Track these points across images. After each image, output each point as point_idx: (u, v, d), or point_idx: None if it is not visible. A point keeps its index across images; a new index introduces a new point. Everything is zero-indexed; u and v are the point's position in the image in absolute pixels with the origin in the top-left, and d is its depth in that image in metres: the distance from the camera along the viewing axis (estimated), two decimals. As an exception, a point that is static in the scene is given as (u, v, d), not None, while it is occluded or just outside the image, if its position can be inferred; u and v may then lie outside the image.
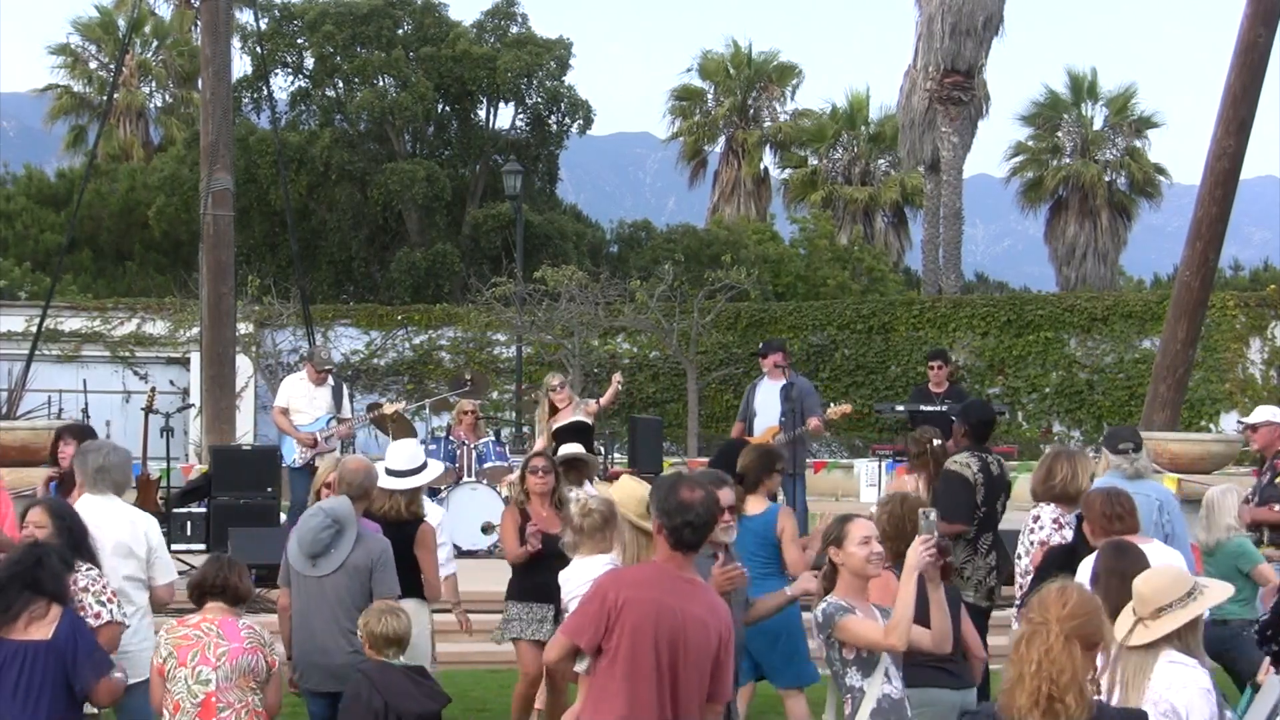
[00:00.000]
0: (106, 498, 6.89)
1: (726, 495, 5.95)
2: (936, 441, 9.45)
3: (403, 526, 7.62)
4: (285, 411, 13.41)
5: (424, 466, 7.87)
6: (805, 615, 7.51)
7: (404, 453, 7.87)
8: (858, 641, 5.56)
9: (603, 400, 13.59)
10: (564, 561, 7.48)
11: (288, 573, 6.98)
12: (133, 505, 7.71)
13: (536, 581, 8.08)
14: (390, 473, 7.78)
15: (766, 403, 13.10)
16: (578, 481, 9.06)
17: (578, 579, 6.70)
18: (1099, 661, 4.21)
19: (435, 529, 7.83)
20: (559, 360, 23.77)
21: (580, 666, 5.06)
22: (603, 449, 16.90)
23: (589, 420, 12.99)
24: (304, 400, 13.42)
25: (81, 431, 8.70)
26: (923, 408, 13.43)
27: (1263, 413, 10.20)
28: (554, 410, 13.06)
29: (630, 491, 6.07)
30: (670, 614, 4.92)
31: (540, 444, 13.64)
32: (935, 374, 13.89)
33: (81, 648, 5.60)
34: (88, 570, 6.19)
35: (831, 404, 13.52)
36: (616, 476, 14.97)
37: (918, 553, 5.46)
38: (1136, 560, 5.52)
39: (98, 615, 6.08)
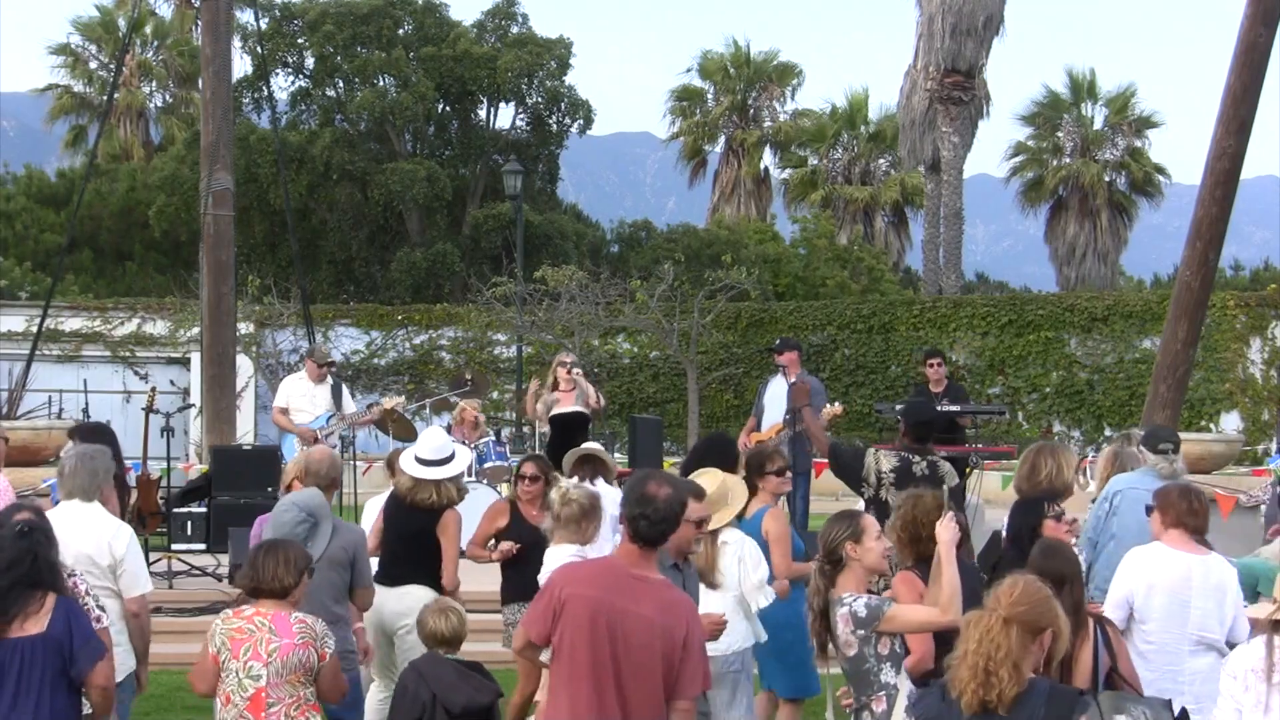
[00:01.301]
0: (70, 504, 6.70)
1: (696, 509, 5.91)
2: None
3: (431, 513, 7.67)
4: (285, 411, 13.47)
5: (454, 455, 7.93)
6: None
7: (434, 441, 7.93)
8: (911, 627, 5.65)
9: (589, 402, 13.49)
10: (536, 560, 7.60)
11: None
12: (131, 508, 7.68)
13: (526, 581, 8.09)
14: (420, 461, 7.83)
15: (775, 399, 13.15)
16: (591, 476, 9.01)
17: (549, 567, 6.82)
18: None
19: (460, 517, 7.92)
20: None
21: (545, 657, 5.12)
22: (602, 448, 16.87)
23: (587, 411, 12.97)
24: (304, 399, 13.46)
25: (89, 431, 8.54)
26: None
27: None
28: (555, 387, 13.08)
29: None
30: (610, 611, 4.91)
31: (529, 401, 13.62)
32: (934, 372, 13.91)
33: (77, 634, 5.51)
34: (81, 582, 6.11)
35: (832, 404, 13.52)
36: (618, 477, 14.95)
37: (950, 529, 5.67)
38: (1068, 562, 5.62)
39: (98, 619, 5.99)
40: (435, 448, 7.84)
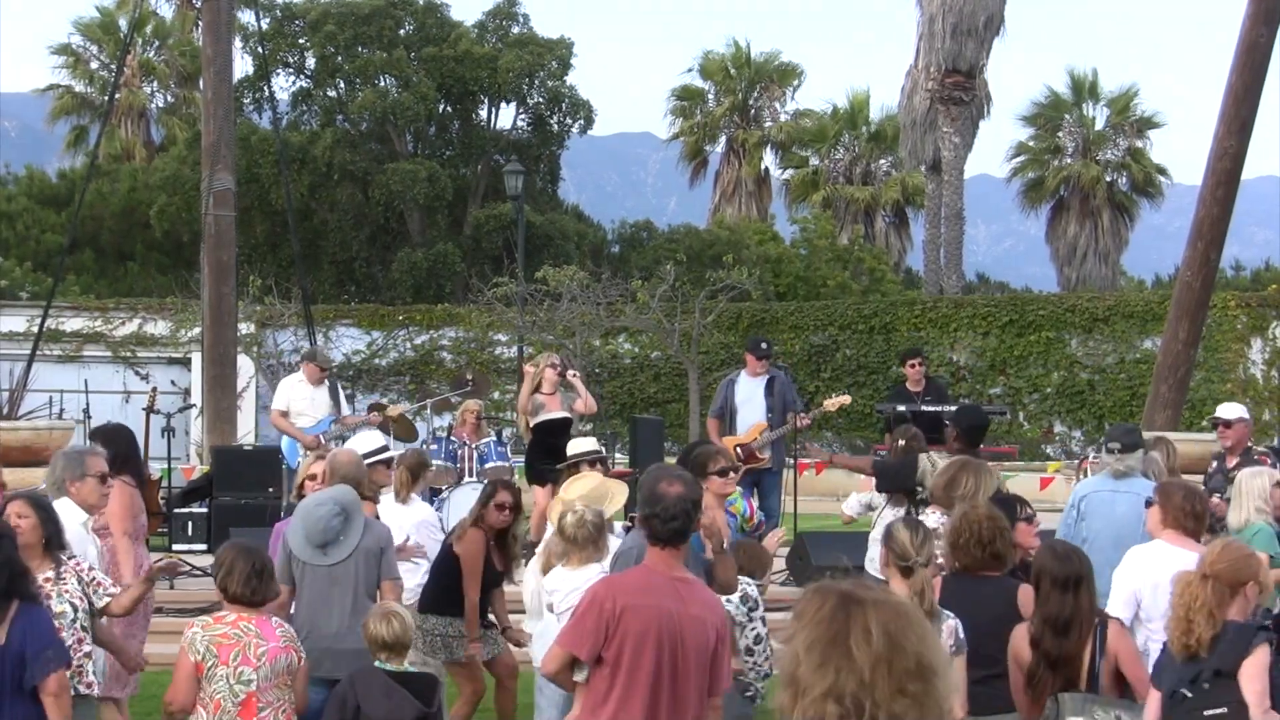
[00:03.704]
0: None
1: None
2: (900, 442, 9.36)
3: None
4: (285, 414, 13.26)
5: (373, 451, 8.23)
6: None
7: (359, 442, 8.37)
8: None
9: (587, 407, 13.30)
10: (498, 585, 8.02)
11: (288, 567, 6.96)
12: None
13: (452, 596, 8.09)
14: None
15: (750, 399, 12.87)
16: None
17: (567, 588, 6.72)
18: None
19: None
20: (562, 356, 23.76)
21: (580, 676, 5.07)
22: (604, 449, 16.83)
23: (570, 416, 12.82)
24: (305, 403, 13.27)
25: (104, 434, 8.34)
26: (923, 408, 13.40)
27: (1235, 409, 10.33)
28: (537, 388, 12.88)
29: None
30: (669, 619, 4.93)
31: (522, 407, 13.38)
32: (914, 372, 13.84)
33: (32, 642, 5.43)
34: (84, 561, 6.30)
35: (832, 395, 13.47)
36: (620, 477, 14.89)
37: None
38: (1082, 564, 5.67)
39: (109, 591, 6.23)
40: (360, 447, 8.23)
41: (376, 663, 6.26)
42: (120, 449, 7.83)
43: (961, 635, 5.67)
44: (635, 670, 4.89)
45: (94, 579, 6.17)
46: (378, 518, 7.77)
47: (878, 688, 2.70)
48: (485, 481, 13.58)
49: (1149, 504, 6.87)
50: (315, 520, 6.90)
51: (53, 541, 6.07)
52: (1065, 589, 5.59)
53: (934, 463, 8.46)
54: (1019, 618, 6.01)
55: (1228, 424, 10.23)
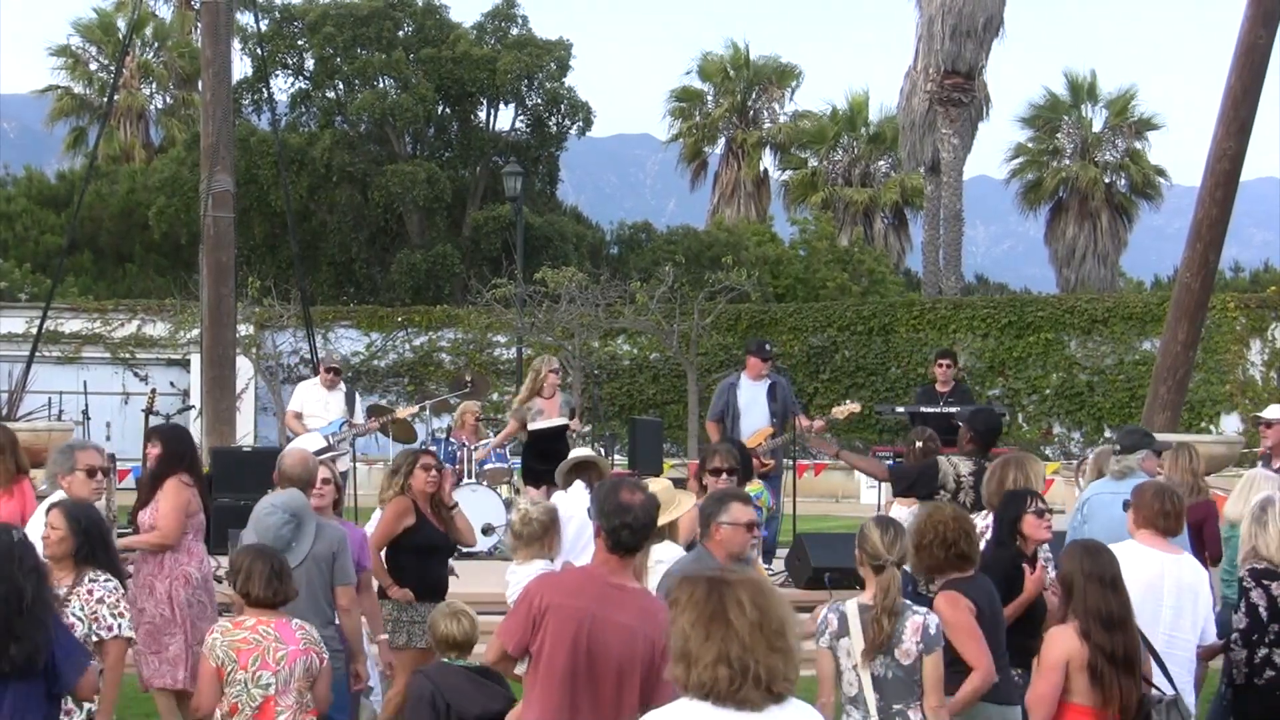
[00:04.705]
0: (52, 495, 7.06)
1: (744, 512, 5.88)
2: (918, 444, 9.36)
3: None
4: (299, 416, 13.57)
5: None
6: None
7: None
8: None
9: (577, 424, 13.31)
10: (446, 559, 8.07)
11: None
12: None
13: (427, 579, 8.05)
14: None
15: (753, 403, 12.75)
16: (586, 484, 8.93)
17: (515, 581, 6.90)
18: None
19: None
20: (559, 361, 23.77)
21: (520, 669, 5.13)
22: (603, 449, 16.88)
23: (568, 422, 12.84)
24: (318, 405, 13.62)
25: (167, 435, 8.35)
26: (923, 409, 13.41)
27: (1278, 410, 10.37)
28: (535, 395, 12.89)
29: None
30: (592, 622, 4.92)
31: (511, 428, 13.41)
32: (943, 372, 13.88)
33: (59, 654, 5.34)
34: (104, 580, 5.95)
35: (841, 402, 13.46)
36: (617, 478, 14.87)
37: None
38: (1112, 563, 5.59)
39: (109, 628, 5.88)
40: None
41: (445, 660, 6.26)
42: (177, 447, 7.96)
43: (933, 632, 5.56)
44: (550, 669, 4.92)
45: (95, 613, 5.85)
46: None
47: (757, 648, 3.34)
48: (484, 483, 13.72)
49: (1126, 506, 6.89)
50: (266, 529, 6.84)
51: (80, 553, 5.92)
52: (1103, 585, 5.48)
53: (955, 465, 8.42)
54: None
55: (1269, 424, 10.29)
